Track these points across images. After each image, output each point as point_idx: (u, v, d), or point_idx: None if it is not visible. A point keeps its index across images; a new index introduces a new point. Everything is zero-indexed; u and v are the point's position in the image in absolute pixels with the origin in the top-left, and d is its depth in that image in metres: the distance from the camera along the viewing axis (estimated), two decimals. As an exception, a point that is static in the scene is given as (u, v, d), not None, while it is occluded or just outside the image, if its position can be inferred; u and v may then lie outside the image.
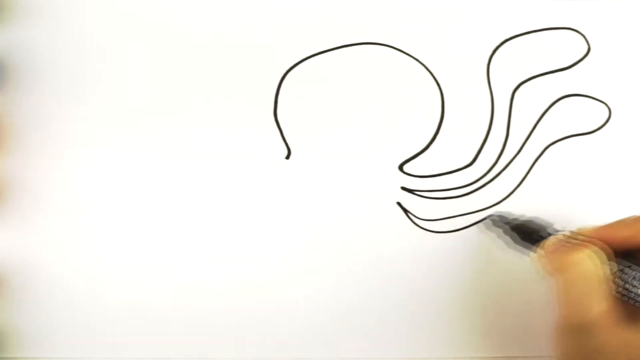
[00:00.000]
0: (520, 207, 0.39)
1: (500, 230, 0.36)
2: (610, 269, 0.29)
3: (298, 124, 0.38)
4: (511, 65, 0.39)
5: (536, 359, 0.39)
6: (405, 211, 0.39)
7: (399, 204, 0.39)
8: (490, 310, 0.38)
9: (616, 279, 0.29)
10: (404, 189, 0.39)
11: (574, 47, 0.39)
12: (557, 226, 0.33)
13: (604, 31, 0.39)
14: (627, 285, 0.28)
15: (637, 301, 0.28)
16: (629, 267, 0.29)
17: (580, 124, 0.39)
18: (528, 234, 0.33)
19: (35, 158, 0.38)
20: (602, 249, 0.30)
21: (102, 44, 0.38)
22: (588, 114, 0.39)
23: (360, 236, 0.38)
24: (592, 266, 0.29)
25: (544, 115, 0.39)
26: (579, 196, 0.39)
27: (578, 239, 0.30)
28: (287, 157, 0.38)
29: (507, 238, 0.35)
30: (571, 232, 0.32)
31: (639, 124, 0.39)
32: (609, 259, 0.29)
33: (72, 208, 0.38)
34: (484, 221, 0.38)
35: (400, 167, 0.39)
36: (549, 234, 0.32)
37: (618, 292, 0.29)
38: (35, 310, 0.38)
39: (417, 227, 0.39)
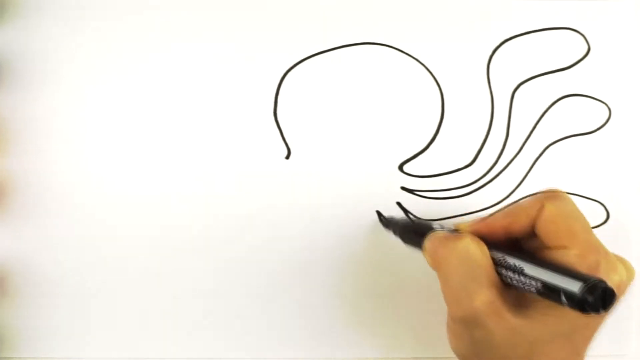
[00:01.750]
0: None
1: (391, 231, 0.35)
2: (492, 258, 0.28)
3: (298, 124, 0.38)
4: (511, 65, 0.39)
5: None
6: (405, 211, 0.39)
7: (399, 204, 0.39)
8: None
9: (497, 268, 0.28)
10: (404, 189, 0.39)
11: (574, 47, 0.39)
12: (436, 225, 0.32)
13: (604, 31, 0.39)
14: (505, 275, 0.28)
15: (520, 288, 0.27)
16: (504, 255, 0.28)
17: (580, 124, 0.39)
18: (413, 233, 0.33)
19: (35, 158, 0.38)
20: (478, 241, 0.29)
21: (102, 43, 0.38)
22: (588, 114, 0.39)
23: (360, 236, 0.38)
24: (468, 257, 0.28)
25: (544, 115, 0.39)
26: (578, 196, 0.39)
27: (455, 234, 0.30)
28: (287, 157, 0.38)
29: (398, 238, 0.34)
30: (450, 227, 0.31)
31: (639, 124, 0.39)
32: (489, 249, 0.29)
33: (72, 208, 0.38)
34: (380, 221, 0.38)
35: (400, 167, 0.39)
36: (431, 231, 0.32)
37: (502, 281, 0.28)
38: (35, 310, 0.38)
39: (417, 227, 0.39)
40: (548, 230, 0.28)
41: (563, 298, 0.25)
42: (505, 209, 0.30)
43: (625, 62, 0.39)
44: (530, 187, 0.39)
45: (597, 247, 0.28)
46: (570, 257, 0.27)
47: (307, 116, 0.38)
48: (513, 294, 0.28)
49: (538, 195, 0.30)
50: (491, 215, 0.30)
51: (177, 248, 0.38)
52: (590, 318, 0.27)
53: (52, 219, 0.38)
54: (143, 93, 0.38)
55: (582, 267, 0.27)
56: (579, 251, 0.27)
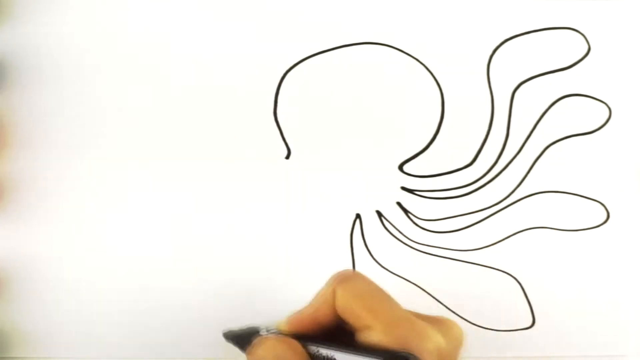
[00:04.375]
0: (520, 207, 0.39)
1: (233, 344, 0.35)
2: (309, 353, 0.28)
3: (298, 124, 0.38)
4: (511, 65, 0.39)
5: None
6: (405, 211, 0.39)
7: (399, 204, 0.39)
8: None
9: None
10: (404, 189, 0.39)
11: (574, 47, 0.39)
12: (262, 329, 0.32)
13: (604, 31, 0.39)
14: None
15: None
16: (317, 349, 0.28)
17: (580, 124, 0.39)
18: (244, 341, 0.32)
19: (35, 158, 0.38)
20: (290, 339, 0.29)
21: (103, 43, 0.38)
22: (588, 114, 0.39)
23: (360, 236, 0.38)
24: (277, 358, 0.28)
25: (544, 115, 0.39)
26: (578, 196, 0.39)
27: (269, 336, 0.30)
28: (287, 157, 0.38)
29: (241, 350, 0.34)
30: (272, 330, 0.31)
31: (639, 124, 0.39)
32: (304, 345, 0.29)
33: (72, 208, 0.38)
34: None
35: (400, 167, 0.39)
36: (257, 335, 0.31)
37: None
38: (35, 310, 0.38)
39: (417, 227, 0.39)
40: (347, 314, 0.28)
41: None
42: (312, 300, 0.30)
43: (626, 62, 0.39)
44: (530, 187, 0.39)
45: (400, 320, 0.27)
46: (375, 336, 0.27)
47: (307, 116, 0.38)
48: None
49: (330, 279, 0.29)
50: (302, 309, 0.30)
51: (177, 246, 0.38)
52: None
53: (52, 219, 0.38)
54: (143, 93, 0.38)
55: (390, 344, 0.26)
56: (382, 328, 0.27)
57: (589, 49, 0.39)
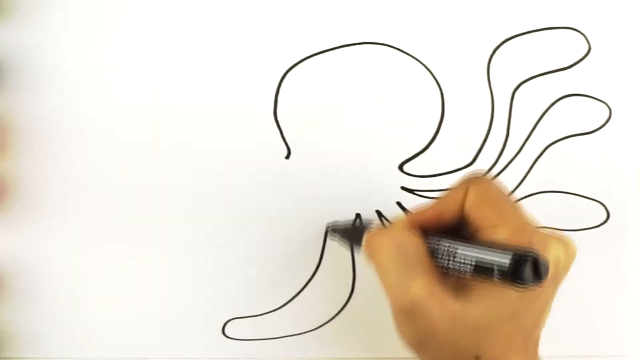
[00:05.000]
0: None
1: (337, 238, 0.35)
2: (427, 246, 0.28)
3: (298, 124, 0.38)
4: (511, 65, 0.39)
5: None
6: (406, 211, 0.39)
7: (399, 204, 0.39)
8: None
9: (434, 255, 0.28)
10: (404, 189, 0.39)
11: (575, 47, 0.39)
12: (375, 223, 0.32)
13: (605, 31, 0.39)
14: (441, 260, 0.27)
15: (458, 272, 0.27)
16: (439, 242, 0.28)
17: (580, 124, 0.39)
18: (356, 235, 0.32)
19: (35, 158, 0.38)
20: (410, 229, 0.29)
21: (102, 43, 0.38)
22: (588, 114, 0.39)
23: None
24: (399, 246, 0.28)
25: (544, 115, 0.39)
26: (578, 196, 0.39)
27: (387, 227, 0.30)
28: (287, 157, 0.38)
29: (345, 244, 0.34)
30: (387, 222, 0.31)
31: (639, 124, 0.39)
32: (424, 237, 0.28)
33: (73, 208, 0.38)
34: (328, 234, 0.37)
35: (400, 167, 0.39)
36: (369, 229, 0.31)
37: (439, 267, 0.28)
38: (35, 310, 0.38)
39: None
40: (476, 214, 0.28)
41: (495, 273, 0.25)
42: (436, 200, 0.30)
43: (626, 62, 0.39)
44: (530, 187, 0.39)
45: (527, 225, 0.28)
46: (501, 235, 0.27)
47: (307, 116, 0.38)
48: (452, 280, 0.27)
49: (462, 181, 0.29)
50: (423, 206, 0.30)
51: (177, 248, 0.38)
52: (534, 297, 0.27)
53: (52, 219, 0.38)
54: (143, 92, 0.38)
55: (515, 245, 0.26)
56: (509, 229, 0.27)
57: (589, 49, 0.39)
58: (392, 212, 0.38)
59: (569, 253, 0.27)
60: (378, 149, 0.39)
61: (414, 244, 0.28)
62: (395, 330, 0.28)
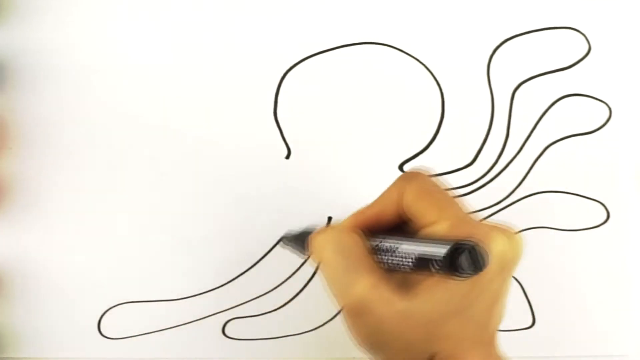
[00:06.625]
0: (520, 207, 0.39)
1: (291, 247, 0.35)
2: (369, 245, 0.28)
3: (298, 124, 0.38)
4: (511, 65, 0.39)
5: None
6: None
7: (399, 204, 0.39)
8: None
9: (377, 254, 0.28)
10: (404, 189, 0.39)
11: (575, 47, 0.39)
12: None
13: (605, 31, 0.39)
14: (384, 257, 0.27)
15: (400, 268, 0.27)
16: (381, 240, 0.28)
17: (580, 124, 0.39)
18: (304, 240, 0.32)
19: (35, 158, 0.38)
20: (351, 229, 0.29)
21: (102, 43, 0.38)
22: (588, 114, 0.39)
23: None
24: (340, 246, 0.28)
25: (544, 115, 0.39)
26: (578, 196, 0.39)
27: (331, 226, 0.30)
28: (287, 157, 0.38)
29: (298, 251, 0.34)
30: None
31: (639, 124, 0.39)
32: (366, 237, 0.28)
33: (72, 208, 0.38)
34: (280, 244, 0.37)
35: (400, 167, 0.39)
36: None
37: (383, 265, 0.27)
38: (35, 310, 0.38)
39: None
40: (415, 210, 0.28)
41: (434, 265, 0.25)
42: (375, 200, 0.30)
43: (626, 61, 0.39)
44: (530, 187, 0.39)
45: (466, 218, 0.27)
46: (441, 230, 0.27)
47: (307, 116, 0.38)
48: (398, 278, 0.27)
49: (398, 178, 0.29)
50: (363, 207, 0.30)
51: (177, 249, 0.38)
52: (481, 290, 0.26)
53: (52, 219, 0.38)
54: (143, 92, 0.38)
55: (454, 237, 0.26)
56: (449, 223, 0.27)
57: (590, 49, 0.39)
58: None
59: (513, 244, 0.27)
60: (378, 149, 0.39)
61: (354, 242, 0.28)
62: (347, 329, 0.28)
